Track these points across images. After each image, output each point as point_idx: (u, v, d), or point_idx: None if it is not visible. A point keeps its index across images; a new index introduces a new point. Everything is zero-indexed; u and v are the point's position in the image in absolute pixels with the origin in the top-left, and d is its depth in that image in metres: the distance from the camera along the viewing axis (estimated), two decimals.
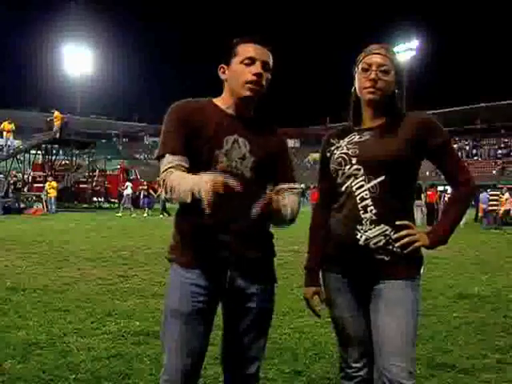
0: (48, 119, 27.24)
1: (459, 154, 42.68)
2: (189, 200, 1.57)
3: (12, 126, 25.06)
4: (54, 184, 22.18)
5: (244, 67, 1.78)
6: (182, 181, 1.63)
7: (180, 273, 1.81)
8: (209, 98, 1.90)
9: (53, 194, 21.58)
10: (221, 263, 1.78)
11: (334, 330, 2.01)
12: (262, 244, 1.86)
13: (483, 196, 19.25)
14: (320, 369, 3.23)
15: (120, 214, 20.55)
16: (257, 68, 1.77)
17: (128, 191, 22.18)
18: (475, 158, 48.29)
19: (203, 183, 1.50)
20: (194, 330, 1.78)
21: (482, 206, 19.25)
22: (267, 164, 1.83)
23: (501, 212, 18.68)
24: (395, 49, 44.88)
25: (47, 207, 21.26)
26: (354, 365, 1.92)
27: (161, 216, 20.21)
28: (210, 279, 1.78)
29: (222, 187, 1.48)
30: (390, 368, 1.72)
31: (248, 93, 1.78)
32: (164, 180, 1.70)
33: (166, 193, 1.69)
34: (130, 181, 24.05)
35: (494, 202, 18.94)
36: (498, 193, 19.97)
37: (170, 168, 1.72)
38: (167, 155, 1.75)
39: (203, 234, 1.77)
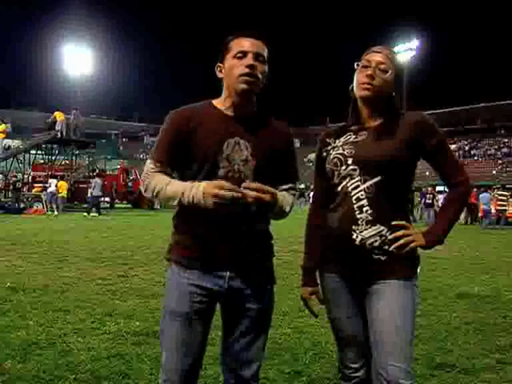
0: (47, 120, 27.18)
1: (459, 153, 42.60)
2: (175, 203, 1.74)
3: (2, 127, 25.14)
4: (64, 184, 22.24)
5: (237, 61, 1.78)
6: (170, 185, 1.75)
7: (178, 273, 1.81)
8: (209, 100, 1.89)
9: (63, 193, 21.64)
10: (219, 264, 1.78)
11: (332, 330, 2.02)
12: (261, 245, 1.86)
13: (484, 196, 19.30)
14: (320, 369, 3.23)
15: (52, 213, 20.16)
16: (248, 60, 1.76)
17: (51, 189, 21.25)
18: (475, 157, 48.22)
19: (202, 194, 1.64)
20: (192, 330, 1.78)
21: (483, 206, 19.30)
22: (270, 165, 1.82)
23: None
24: (395, 49, 44.92)
25: (49, 207, 21.20)
26: (351, 365, 1.92)
27: (96, 215, 19.55)
28: (208, 280, 1.77)
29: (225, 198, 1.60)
30: (388, 368, 1.72)
31: (243, 85, 1.77)
32: (145, 181, 1.81)
33: (148, 192, 1.80)
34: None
35: (503, 203, 18.97)
36: (507, 193, 20.01)
37: (152, 172, 1.81)
38: (152, 161, 1.82)
39: (203, 234, 1.77)
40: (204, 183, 1.66)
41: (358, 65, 1.91)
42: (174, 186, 1.74)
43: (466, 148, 49.86)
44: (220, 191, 1.60)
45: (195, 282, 1.77)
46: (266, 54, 1.82)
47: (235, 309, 1.83)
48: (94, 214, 19.74)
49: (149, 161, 1.84)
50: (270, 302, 1.89)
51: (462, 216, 20.51)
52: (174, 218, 1.89)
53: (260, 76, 1.79)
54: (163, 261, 2.03)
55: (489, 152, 48.08)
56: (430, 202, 21.26)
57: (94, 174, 25.35)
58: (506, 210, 19.14)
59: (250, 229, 1.79)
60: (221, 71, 1.85)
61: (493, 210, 19.18)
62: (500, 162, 45.31)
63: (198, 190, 1.66)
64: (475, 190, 20.11)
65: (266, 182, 1.76)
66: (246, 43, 1.79)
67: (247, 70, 1.76)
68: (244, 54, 1.77)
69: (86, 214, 19.71)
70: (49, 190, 21.45)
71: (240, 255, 1.78)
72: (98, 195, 20.64)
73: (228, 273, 1.78)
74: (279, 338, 3.82)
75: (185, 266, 1.80)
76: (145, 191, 1.81)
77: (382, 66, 1.86)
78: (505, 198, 19.31)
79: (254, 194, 1.63)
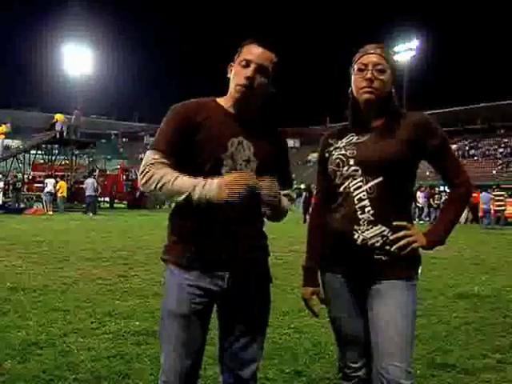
0: (51, 122, 27.24)
1: (459, 153, 42.47)
2: (180, 199, 1.67)
3: (2, 129, 25.27)
4: (64, 184, 22.29)
5: (240, 69, 1.79)
6: (178, 179, 1.68)
7: (177, 274, 1.80)
8: (212, 97, 1.89)
9: (63, 193, 21.71)
10: (219, 264, 1.77)
11: (332, 330, 2.02)
12: (258, 245, 1.87)
13: (484, 196, 19.28)
14: (320, 369, 3.23)
15: (51, 213, 20.30)
16: (248, 71, 1.77)
17: (48, 188, 21.34)
18: (475, 157, 48.19)
19: (218, 189, 1.63)
20: (191, 331, 1.77)
21: (483, 205, 19.29)
22: (271, 166, 1.83)
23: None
24: (395, 49, 44.74)
25: (47, 207, 21.23)
26: (352, 365, 1.92)
27: (90, 215, 19.74)
28: (207, 280, 1.77)
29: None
30: (389, 368, 1.72)
31: (237, 95, 1.79)
32: (148, 172, 1.71)
33: (149, 184, 1.70)
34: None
35: (501, 203, 18.95)
36: (504, 193, 20.00)
37: (156, 162, 1.72)
38: (155, 151, 1.75)
39: (201, 234, 1.77)
40: (215, 179, 1.66)
41: (353, 68, 1.91)
42: (183, 180, 1.67)
43: (466, 148, 49.84)
44: (237, 184, 1.62)
45: (194, 282, 1.77)
46: (270, 66, 1.81)
47: (233, 309, 1.83)
48: (91, 215, 19.83)
49: (150, 151, 1.76)
50: (267, 302, 1.89)
51: (463, 216, 20.50)
52: (170, 219, 1.88)
53: (257, 88, 1.78)
54: None
55: (489, 152, 48.06)
56: (438, 202, 21.27)
57: (88, 174, 25.43)
58: (504, 210, 19.13)
59: (248, 229, 1.80)
60: (231, 71, 1.86)
61: (492, 211, 19.17)
62: (500, 162, 45.28)
63: (212, 182, 1.65)
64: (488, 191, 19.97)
65: None
66: (253, 52, 1.79)
67: (244, 82, 1.77)
68: (247, 63, 1.78)
69: (90, 214, 19.84)
70: (46, 189, 21.53)
71: (239, 255, 1.78)
72: (89, 195, 20.79)
73: (227, 273, 1.78)
74: (279, 338, 3.82)
75: (184, 266, 1.79)
76: (145, 183, 1.71)
77: (379, 67, 1.85)
78: (502, 197, 19.29)
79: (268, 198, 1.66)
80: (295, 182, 33.83)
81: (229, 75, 1.86)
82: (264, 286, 1.88)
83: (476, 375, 3.17)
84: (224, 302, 1.84)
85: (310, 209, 2.11)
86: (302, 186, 34.48)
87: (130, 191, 28.19)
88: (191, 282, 1.77)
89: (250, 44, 1.82)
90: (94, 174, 26.10)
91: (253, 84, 1.77)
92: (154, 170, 1.71)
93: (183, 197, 1.67)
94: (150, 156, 1.74)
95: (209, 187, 1.64)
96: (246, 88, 1.77)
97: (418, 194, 22.37)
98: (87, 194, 20.81)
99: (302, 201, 21.20)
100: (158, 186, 1.69)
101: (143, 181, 1.72)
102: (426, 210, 22.62)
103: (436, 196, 22.21)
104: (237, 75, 1.80)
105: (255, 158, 1.80)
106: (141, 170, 1.74)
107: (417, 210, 22.34)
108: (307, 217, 16.85)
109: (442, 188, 23.68)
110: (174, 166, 1.74)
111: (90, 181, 21.40)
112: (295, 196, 29.55)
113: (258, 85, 1.79)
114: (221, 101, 1.87)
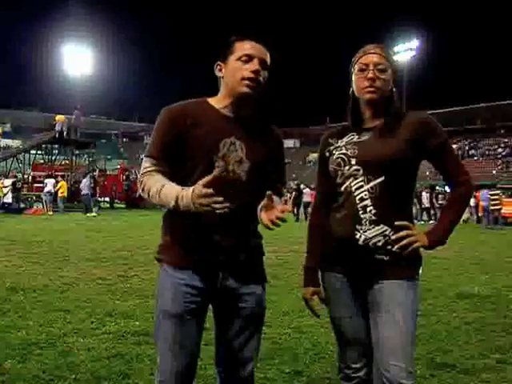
0: (51, 124, 27.36)
1: (459, 153, 42.38)
2: (170, 207, 1.68)
3: None
4: (64, 184, 22.36)
5: (241, 64, 1.77)
6: (163, 190, 1.70)
7: (171, 273, 1.79)
8: (204, 97, 1.88)
9: (63, 193, 21.79)
10: (213, 264, 1.77)
11: (333, 330, 2.02)
12: (252, 244, 1.87)
13: (483, 194, 19.31)
14: (320, 369, 3.23)
15: (51, 213, 20.39)
16: (254, 65, 1.76)
17: (48, 188, 21.41)
18: (475, 157, 48.20)
19: (192, 203, 1.59)
20: (186, 330, 1.77)
21: (482, 204, 19.30)
22: (262, 167, 1.83)
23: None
24: (395, 49, 44.69)
25: (47, 207, 21.26)
26: (353, 365, 1.92)
27: (88, 215, 19.79)
28: (201, 280, 1.77)
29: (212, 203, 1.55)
30: (390, 368, 1.72)
31: (245, 89, 1.77)
32: (142, 182, 1.78)
33: (144, 194, 1.78)
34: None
35: (496, 202, 18.96)
36: (498, 192, 20.01)
37: (148, 171, 1.78)
38: (148, 158, 1.80)
39: (195, 234, 1.77)
40: (190, 190, 1.60)
41: (353, 69, 1.91)
42: (167, 191, 1.69)
43: (466, 148, 49.83)
44: (207, 201, 1.55)
45: (188, 281, 1.76)
46: (268, 60, 1.82)
47: (229, 309, 1.83)
48: (94, 214, 19.84)
49: (145, 159, 1.81)
50: (263, 301, 1.88)
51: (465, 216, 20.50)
52: (164, 219, 1.88)
53: (262, 82, 1.79)
54: None
55: (489, 152, 48.05)
56: (442, 202, 21.23)
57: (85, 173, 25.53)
58: (500, 209, 19.14)
59: (242, 228, 1.80)
60: (220, 70, 1.84)
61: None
62: (500, 162, 45.29)
63: (187, 199, 1.61)
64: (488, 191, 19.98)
65: (259, 185, 1.78)
66: (251, 47, 1.78)
67: (252, 75, 1.76)
68: (250, 58, 1.77)
69: (88, 214, 19.87)
70: (45, 189, 21.59)
71: (232, 255, 1.78)
72: (85, 193, 20.93)
73: (221, 272, 1.78)
74: (279, 338, 3.82)
75: (178, 265, 1.78)
76: (142, 192, 1.78)
77: (380, 67, 1.86)
78: (497, 196, 19.30)
79: (270, 221, 1.64)
80: (295, 182, 33.80)
81: (218, 74, 1.85)
82: (259, 285, 1.87)
83: (476, 375, 3.17)
84: (219, 302, 1.84)
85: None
86: (302, 187, 34.53)
87: (127, 190, 28.22)
88: (185, 281, 1.77)
89: (244, 40, 1.80)
90: (94, 173, 26.11)
91: (259, 77, 1.77)
92: (146, 181, 1.76)
93: (171, 206, 1.67)
94: (143, 165, 1.80)
95: (186, 200, 1.62)
96: (253, 81, 1.76)
97: (423, 194, 22.32)
98: (82, 193, 21.07)
99: (291, 201, 21.00)
100: (150, 196, 1.74)
101: (140, 190, 1.80)
102: (428, 209, 22.59)
103: (440, 196, 22.18)
104: (238, 71, 1.77)
105: (247, 160, 1.79)
106: (139, 179, 1.81)
107: (420, 210, 22.28)
108: (306, 217, 16.82)
109: (443, 188, 23.65)
110: (168, 171, 1.77)
111: (84, 180, 21.64)
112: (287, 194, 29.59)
113: (263, 78, 1.80)
114: (212, 101, 1.85)
